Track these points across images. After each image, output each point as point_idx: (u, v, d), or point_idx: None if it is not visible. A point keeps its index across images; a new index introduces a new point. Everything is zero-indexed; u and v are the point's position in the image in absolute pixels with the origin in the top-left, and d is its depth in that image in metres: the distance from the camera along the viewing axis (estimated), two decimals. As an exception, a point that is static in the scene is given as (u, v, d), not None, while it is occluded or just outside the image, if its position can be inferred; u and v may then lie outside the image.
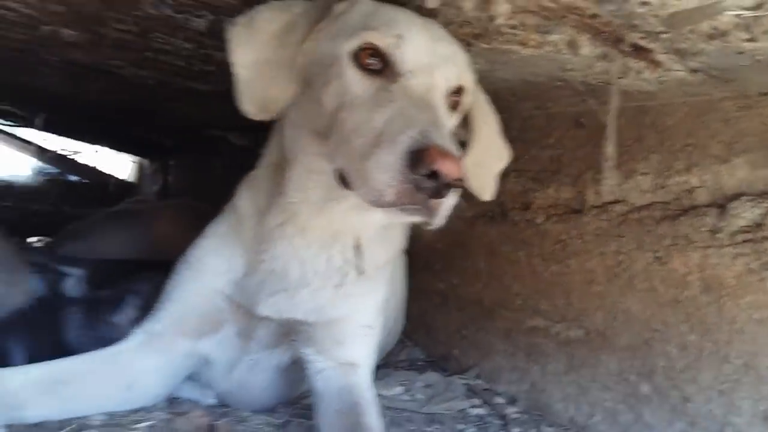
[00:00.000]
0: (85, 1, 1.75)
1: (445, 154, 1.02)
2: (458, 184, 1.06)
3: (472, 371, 2.12)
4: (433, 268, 2.37)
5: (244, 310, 1.56)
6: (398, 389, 1.97)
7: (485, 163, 1.52)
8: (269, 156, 1.55)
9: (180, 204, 2.80)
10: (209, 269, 1.57)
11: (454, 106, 1.31)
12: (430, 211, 1.09)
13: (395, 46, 1.19)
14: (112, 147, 7.23)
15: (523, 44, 1.47)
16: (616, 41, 1.41)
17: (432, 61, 1.22)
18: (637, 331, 1.65)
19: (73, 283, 1.80)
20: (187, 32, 1.91)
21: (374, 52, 1.20)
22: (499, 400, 1.96)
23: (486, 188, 1.54)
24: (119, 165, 7.79)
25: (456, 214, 2.34)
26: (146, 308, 1.71)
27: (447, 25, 1.41)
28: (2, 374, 1.37)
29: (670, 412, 1.57)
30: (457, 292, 2.27)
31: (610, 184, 1.70)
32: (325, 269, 1.50)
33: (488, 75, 1.64)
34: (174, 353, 1.58)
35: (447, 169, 1.02)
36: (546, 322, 1.89)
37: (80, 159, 7.46)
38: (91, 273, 1.83)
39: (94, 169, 7.29)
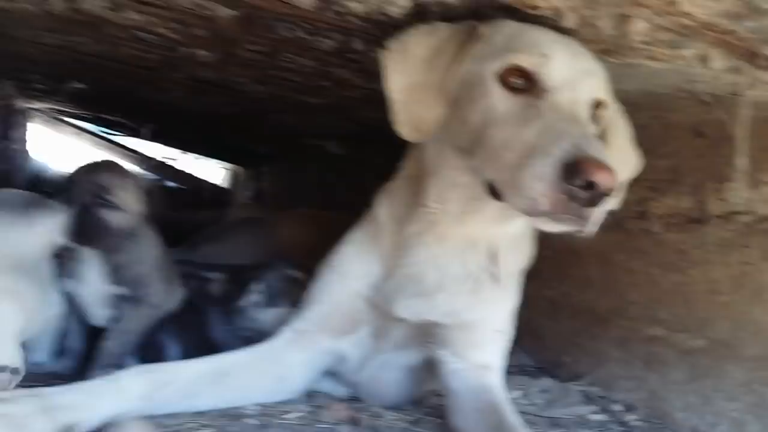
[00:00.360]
0: (227, 26, 1.90)
1: (600, 164, 1.08)
2: (612, 193, 1.11)
3: (585, 378, 2.15)
4: (541, 276, 2.40)
5: (381, 311, 1.66)
6: (516, 393, 2.02)
7: (619, 170, 1.53)
8: (407, 169, 1.66)
9: (302, 212, 2.95)
10: (350, 273, 1.69)
11: (595, 119, 1.36)
12: (583, 220, 1.15)
13: (540, 65, 1.26)
14: (207, 155, 7.57)
15: (653, 58, 1.51)
16: (750, 55, 1.43)
17: (575, 76, 1.28)
18: (766, 341, 1.64)
19: (215, 286, 1.96)
20: (314, 52, 2.03)
21: (519, 72, 1.27)
22: (617, 407, 1.98)
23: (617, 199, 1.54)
24: (214, 172, 8.15)
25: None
26: (272, 294, 1.91)
27: (580, 43, 1.46)
28: (179, 366, 1.52)
29: (802, 424, 1.56)
30: (568, 300, 2.30)
31: (738, 195, 1.70)
32: (461, 275, 1.58)
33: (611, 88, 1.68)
34: (317, 350, 1.71)
35: (602, 179, 1.07)
36: (665, 331, 1.90)
37: (178, 166, 7.84)
38: (229, 276, 1.99)
39: (190, 175, 7.65)
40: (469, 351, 1.64)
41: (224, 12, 1.77)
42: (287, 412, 1.60)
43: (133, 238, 1.79)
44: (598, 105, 1.36)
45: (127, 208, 1.76)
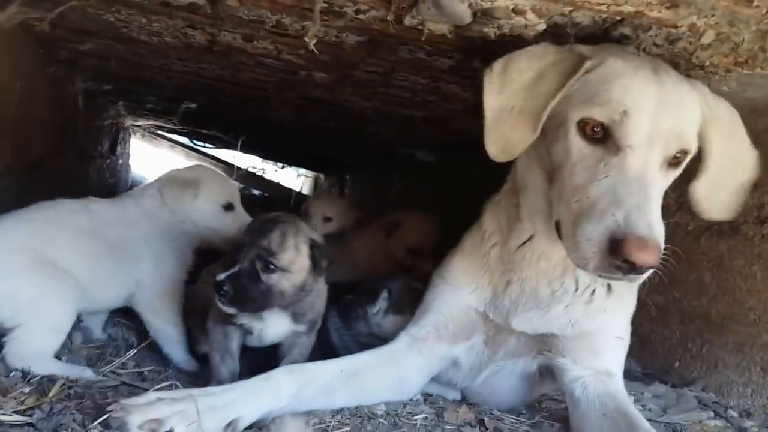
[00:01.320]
0: (352, 51, 1.99)
1: (641, 245, 1.20)
2: (653, 268, 1.23)
3: (697, 384, 2.15)
4: (649, 281, 2.41)
5: (494, 323, 1.73)
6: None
7: (724, 179, 1.52)
8: (510, 182, 1.73)
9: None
10: (461, 285, 1.77)
11: (675, 164, 1.40)
12: (629, 279, 1.29)
13: (618, 123, 1.31)
14: (292, 164, 7.81)
15: (773, 69, 1.51)
16: None
17: (653, 136, 1.32)
18: None
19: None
20: (430, 71, 2.10)
21: (600, 124, 1.33)
22: (733, 413, 1.97)
23: (726, 208, 1.55)
24: (297, 180, 8.39)
25: (675, 228, 2.37)
26: (396, 303, 2.02)
27: (711, 56, 1.49)
28: (318, 366, 1.62)
29: None
30: (679, 305, 2.30)
31: None
32: (574, 287, 1.64)
33: (736, 96, 1.68)
34: (433, 355, 1.79)
35: (641, 259, 1.20)
36: (786, 338, 1.89)
37: (264, 175, 8.11)
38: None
39: (276, 184, 7.91)
40: (589, 358, 1.68)
41: (352, 39, 1.86)
42: (414, 414, 1.68)
43: (305, 293, 1.74)
44: (682, 152, 1.39)
45: (292, 269, 1.67)
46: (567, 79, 1.35)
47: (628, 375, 2.36)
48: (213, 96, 3.33)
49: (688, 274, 2.26)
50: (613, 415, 1.57)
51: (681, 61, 1.56)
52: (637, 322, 2.46)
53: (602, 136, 1.34)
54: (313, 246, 1.71)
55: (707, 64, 1.53)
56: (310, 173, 7.99)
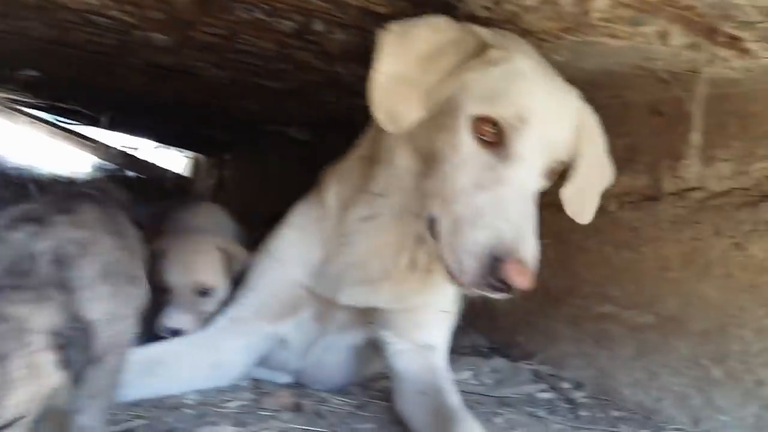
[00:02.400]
0: (182, 8, 1.84)
1: (521, 270, 1.14)
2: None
3: (537, 357, 2.16)
4: (498, 257, 2.41)
5: (322, 297, 1.64)
6: (467, 374, 2.02)
7: (587, 186, 1.51)
8: (362, 149, 1.61)
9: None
10: (289, 260, 1.66)
11: (550, 175, 1.36)
12: (494, 296, 1.22)
13: (515, 129, 1.24)
14: (169, 143, 7.45)
15: (613, 36, 1.50)
16: (709, 31, 1.44)
17: (543, 148, 1.27)
18: (713, 316, 1.66)
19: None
20: (273, 34, 1.99)
21: (494, 125, 1.25)
22: (566, 385, 1.99)
23: (585, 211, 1.54)
24: (176, 161, 8.02)
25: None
26: None
27: (539, 21, 1.45)
28: None
29: (742, 396, 1.58)
30: (523, 281, 2.30)
31: (692, 171, 1.72)
32: (407, 264, 1.57)
33: (569, 66, 1.67)
34: (255, 335, 1.68)
35: (519, 282, 1.14)
36: (616, 309, 1.92)
37: (139, 155, 7.70)
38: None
39: (151, 164, 7.52)
40: (413, 332, 1.62)
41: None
42: (228, 401, 1.55)
43: None
44: (560, 163, 1.36)
45: None
46: (466, 63, 1.25)
47: (474, 350, 2.37)
48: (52, 62, 3.05)
49: (532, 248, 2.26)
50: (429, 392, 1.51)
51: (511, 26, 1.50)
52: (485, 297, 2.49)
53: (495, 140, 1.24)
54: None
55: (536, 29, 1.49)
56: (190, 154, 7.64)
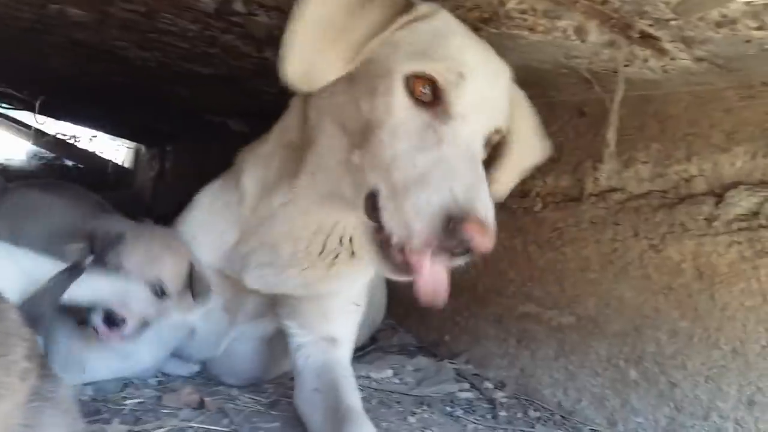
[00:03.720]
0: None
1: (482, 229, 1.02)
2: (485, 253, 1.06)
3: (462, 357, 2.13)
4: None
5: (232, 281, 1.57)
6: (388, 372, 1.98)
7: (517, 165, 1.46)
8: (287, 133, 1.48)
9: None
10: (200, 243, 1.58)
11: (488, 142, 1.28)
12: (447, 263, 1.13)
13: (454, 85, 1.14)
14: (109, 132, 7.22)
15: (532, 29, 1.48)
16: (624, 28, 1.43)
17: (483, 106, 1.19)
18: (629, 317, 1.67)
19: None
20: (194, 13, 1.89)
21: (431, 83, 1.14)
22: (488, 384, 1.97)
23: (504, 192, 1.49)
24: (116, 150, 7.79)
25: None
26: None
27: (456, 9, 1.42)
28: None
29: (657, 398, 1.59)
30: (452, 279, 2.27)
31: (609, 173, 1.72)
32: (319, 250, 1.51)
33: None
34: (163, 325, 1.59)
35: (480, 244, 1.02)
36: (538, 309, 1.91)
37: (77, 144, 7.45)
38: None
39: (91, 154, 7.28)
40: (318, 323, 1.57)
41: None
42: (127, 398, 1.49)
43: None
44: (496, 131, 1.28)
45: None
46: (394, 18, 1.14)
47: (402, 349, 2.33)
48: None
49: (461, 247, 2.24)
50: (325, 390, 1.46)
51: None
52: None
53: (431, 98, 1.14)
54: None
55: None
56: (131, 144, 7.42)
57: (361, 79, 1.18)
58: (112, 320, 1.41)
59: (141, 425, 1.34)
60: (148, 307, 1.48)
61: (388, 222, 1.09)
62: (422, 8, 1.19)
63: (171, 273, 1.52)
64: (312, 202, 1.44)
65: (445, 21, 1.21)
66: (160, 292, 1.51)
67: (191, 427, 1.37)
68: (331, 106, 1.26)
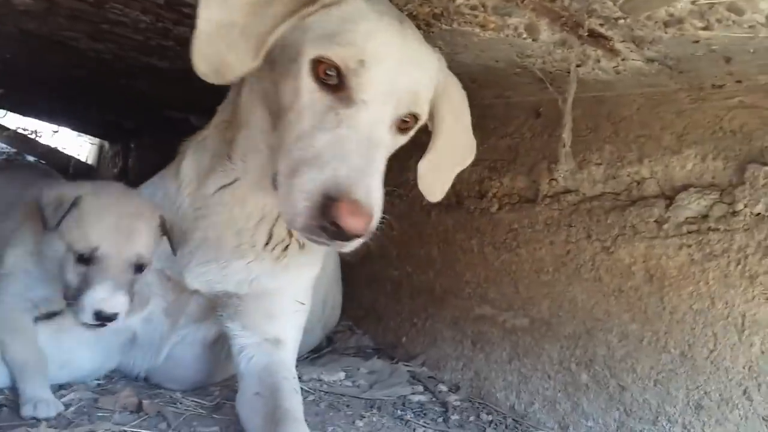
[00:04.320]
0: None
1: (354, 210, 1.05)
2: (361, 237, 1.09)
3: (418, 359, 2.11)
4: (389, 256, 2.35)
5: (173, 283, 1.52)
6: (341, 375, 1.94)
7: (445, 163, 1.46)
8: (222, 113, 1.49)
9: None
10: None
11: (404, 129, 1.27)
12: (335, 246, 1.14)
13: (354, 73, 1.15)
14: (72, 128, 7.07)
15: (483, 27, 1.47)
16: (575, 26, 1.42)
17: (388, 94, 1.18)
18: (581, 320, 1.66)
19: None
20: (143, 3, 1.85)
21: (335, 67, 1.15)
22: (442, 387, 1.94)
23: (437, 190, 1.48)
24: (79, 146, 7.63)
25: (413, 203, 2.33)
26: None
27: (407, 3, 1.39)
28: None
29: (606, 401, 1.58)
30: (410, 280, 2.25)
31: (563, 175, 1.71)
32: (264, 241, 1.47)
33: (449, 59, 1.62)
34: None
35: (350, 225, 1.04)
36: (493, 311, 1.89)
37: (39, 139, 7.28)
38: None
39: (52, 149, 7.11)
40: (262, 323, 1.53)
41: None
42: (60, 399, 1.41)
43: None
44: (410, 117, 1.27)
45: None
46: (302, 7, 1.14)
47: (358, 351, 2.30)
48: None
49: (419, 248, 2.22)
50: (265, 393, 1.42)
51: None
52: (373, 297, 2.43)
53: (337, 83, 1.15)
54: None
55: (405, 12, 1.42)
56: (95, 140, 7.27)
57: (277, 63, 1.21)
58: (104, 317, 1.30)
59: (71, 428, 1.28)
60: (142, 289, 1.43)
61: (280, 203, 1.15)
62: None
63: (148, 242, 1.40)
64: (249, 186, 1.42)
65: (356, 6, 1.20)
66: (140, 268, 1.39)
67: (124, 431, 1.32)
68: (258, 88, 1.30)
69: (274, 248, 1.49)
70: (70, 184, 1.49)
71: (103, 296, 1.30)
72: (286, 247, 1.50)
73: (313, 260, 1.59)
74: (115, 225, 1.35)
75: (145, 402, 1.46)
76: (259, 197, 1.42)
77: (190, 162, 1.52)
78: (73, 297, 1.33)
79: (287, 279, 1.53)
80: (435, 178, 1.45)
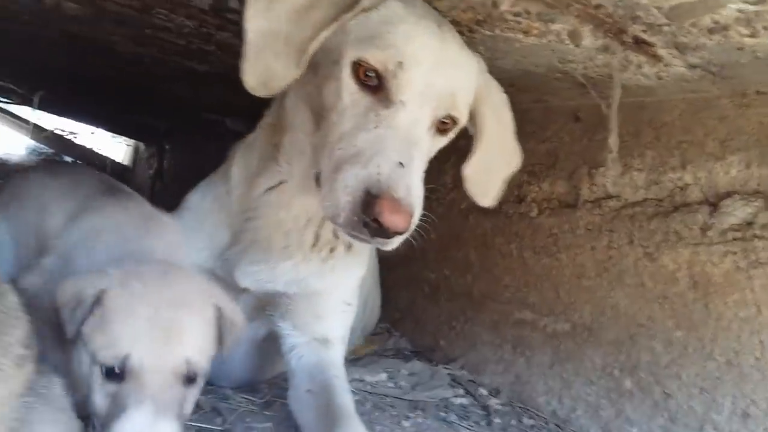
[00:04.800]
0: None
1: (395, 207, 1.08)
2: (402, 235, 1.13)
3: (457, 362, 2.12)
4: (426, 259, 2.37)
5: (224, 284, 1.55)
6: (383, 376, 1.97)
7: (491, 166, 1.48)
8: (268, 117, 1.54)
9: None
10: (191, 244, 1.55)
11: (443, 131, 1.31)
12: (376, 243, 1.17)
13: (393, 74, 1.19)
14: (108, 129, 7.21)
15: (526, 33, 1.47)
16: (618, 33, 1.42)
17: (425, 95, 1.22)
18: (624, 326, 1.65)
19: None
20: (189, 9, 1.89)
21: (374, 68, 1.20)
22: (483, 391, 1.96)
23: (488, 194, 1.50)
24: (115, 148, 7.77)
25: (450, 206, 2.34)
26: None
27: (450, 9, 1.40)
28: None
29: (651, 408, 1.58)
30: (448, 284, 2.27)
31: (606, 180, 1.70)
32: (311, 242, 1.51)
33: (488, 64, 1.64)
34: None
35: (391, 222, 1.08)
36: (534, 315, 1.90)
37: (76, 140, 7.43)
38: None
39: (89, 150, 7.26)
40: (312, 323, 1.56)
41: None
42: None
43: None
44: (449, 118, 1.30)
45: None
46: (341, 13, 1.19)
47: (397, 353, 2.32)
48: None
49: (457, 251, 2.23)
50: (318, 391, 1.45)
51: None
52: (410, 299, 2.45)
53: (377, 84, 1.20)
54: None
55: (448, 18, 1.44)
56: (131, 141, 7.41)
57: (320, 66, 1.26)
58: None
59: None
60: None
61: (322, 200, 1.18)
62: (366, 1, 1.21)
63: (201, 342, 1.10)
64: (295, 189, 1.46)
65: (394, 9, 1.24)
66: (191, 380, 1.08)
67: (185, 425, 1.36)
68: (302, 93, 1.35)
69: (321, 250, 1.53)
70: (91, 275, 1.12)
71: (141, 427, 0.97)
72: (333, 249, 1.53)
73: (359, 261, 1.63)
74: (152, 322, 1.03)
75: (201, 397, 1.50)
76: (305, 199, 1.46)
77: (239, 165, 1.57)
78: (102, 427, 1.02)
79: (334, 280, 1.57)
80: (484, 182, 1.48)
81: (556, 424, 1.76)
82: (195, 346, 1.08)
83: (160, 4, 1.91)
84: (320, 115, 1.27)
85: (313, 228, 1.51)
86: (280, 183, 1.47)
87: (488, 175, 1.48)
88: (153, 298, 1.06)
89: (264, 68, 1.19)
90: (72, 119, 6.94)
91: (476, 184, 1.46)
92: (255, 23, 1.17)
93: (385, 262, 2.27)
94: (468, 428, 1.69)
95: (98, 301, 1.05)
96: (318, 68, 1.26)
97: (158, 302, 1.06)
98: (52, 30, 2.56)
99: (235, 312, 1.20)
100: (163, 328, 1.04)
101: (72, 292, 1.06)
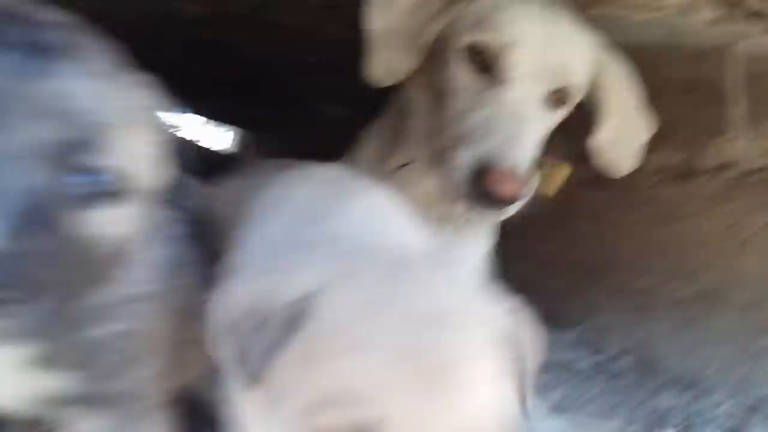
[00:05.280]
0: None
1: (504, 177, 1.21)
2: (513, 203, 1.24)
3: (578, 327, 2.20)
4: (536, 231, 2.44)
5: None
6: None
7: (623, 135, 1.53)
8: (396, 104, 1.61)
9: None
10: None
11: (559, 103, 1.38)
12: (491, 214, 1.29)
13: (503, 53, 1.28)
14: (211, 118, 7.51)
15: (638, 10, 1.51)
16: (734, 5, 1.43)
17: (537, 71, 1.30)
18: (752, 289, 1.68)
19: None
20: (302, 6, 1.99)
21: (484, 51, 1.30)
22: (608, 352, 2.03)
23: (623, 163, 1.56)
24: (221, 137, 8.08)
25: (561, 179, 2.38)
26: None
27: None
28: None
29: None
30: (561, 255, 2.33)
31: (726, 149, 1.72)
32: (439, 218, 1.56)
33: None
34: None
35: (501, 190, 1.20)
36: (656, 282, 1.95)
37: (181, 131, 7.77)
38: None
39: (195, 143, 7.60)
40: None
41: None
42: None
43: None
44: (565, 92, 1.37)
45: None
46: (452, 4, 1.32)
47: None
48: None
49: (568, 223, 2.29)
50: None
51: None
52: (525, 270, 2.53)
53: (488, 65, 1.31)
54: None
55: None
56: (236, 130, 7.71)
57: (436, 53, 1.36)
58: None
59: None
60: None
61: (442, 177, 1.33)
62: None
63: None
64: (420, 168, 1.52)
65: None
66: None
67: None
68: (422, 79, 1.44)
69: (451, 224, 1.60)
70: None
71: None
72: (460, 223, 1.62)
73: (484, 234, 1.70)
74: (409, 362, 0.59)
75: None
76: (431, 178, 1.52)
77: (367, 148, 1.64)
78: None
79: (466, 252, 1.64)
80: (617, 153, 1.53)
81: (685, 384, 1.81)
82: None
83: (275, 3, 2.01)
84: (438, 99, 1.39)
85: (441, 206, 1.59)
86: (408, 163, 1.56)
87: (620, 144, 1.53)
88: (401, 316, 0.62)
89: (386, 61, 1.33)
90: (180, 112, 7.27)
91: (609, 157, 1.52)
92: (377, 22, 1.31)
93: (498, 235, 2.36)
94: (598, 386, 1.77)
95: (292, 323, 0.61)
96: (434, 56, 1.37)
97: (413, 322, 0.62)
98: (173, 33, 2.72)
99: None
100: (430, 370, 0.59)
101: (244, 308, 0.64)
